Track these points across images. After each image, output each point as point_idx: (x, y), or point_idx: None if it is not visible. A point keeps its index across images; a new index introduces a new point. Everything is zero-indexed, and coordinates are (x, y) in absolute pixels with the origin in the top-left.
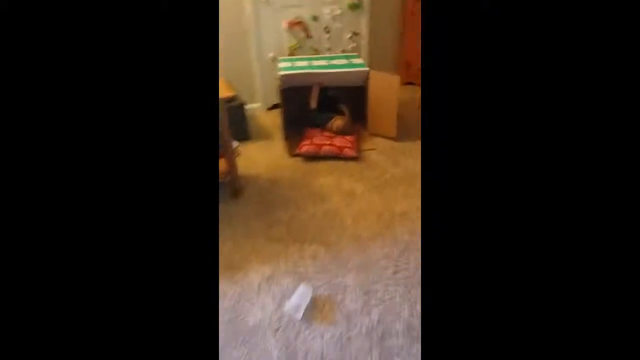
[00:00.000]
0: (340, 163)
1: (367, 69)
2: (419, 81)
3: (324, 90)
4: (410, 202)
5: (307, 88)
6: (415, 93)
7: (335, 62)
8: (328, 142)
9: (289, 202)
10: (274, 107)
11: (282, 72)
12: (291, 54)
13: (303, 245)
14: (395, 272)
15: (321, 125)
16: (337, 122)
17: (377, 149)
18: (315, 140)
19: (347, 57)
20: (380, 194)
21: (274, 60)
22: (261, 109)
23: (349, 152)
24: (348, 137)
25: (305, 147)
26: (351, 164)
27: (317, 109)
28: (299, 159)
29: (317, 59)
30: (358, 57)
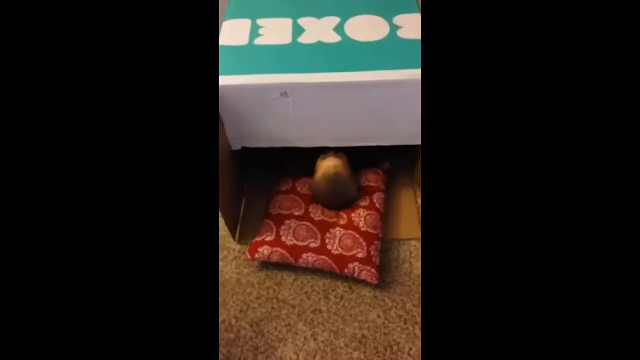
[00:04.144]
0: (342, 287)
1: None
2: None
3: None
4: None
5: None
6: None
7: (358, 30)
8: (313, 241)
9: None
10: None
11: (225, 81)
12: None
13: None
14: None
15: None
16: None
17: None
18: (284, 235)
19: (386, 9)
20: None
21: None
22: None
23: (362, 271)
24: (364, 220)
25: (265, 247)
26: (367, 290)
27: None
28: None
29: (312, 2)
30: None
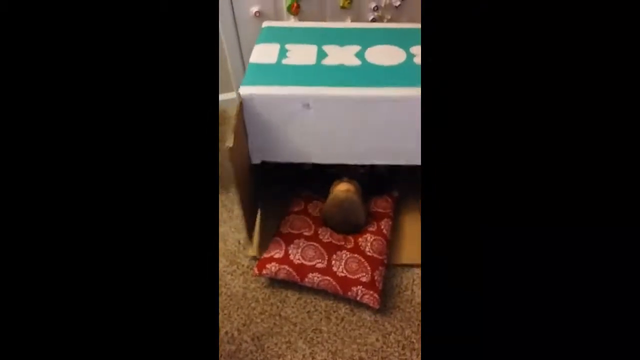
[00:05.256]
0: (343, 309)
1: None
2: None
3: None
4: None
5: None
6: None
7: (377, 57)
8: (320, 262)
9: None
10: None
11: (246, 91)
12: (294, 10)
13: None
14: None
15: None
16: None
17: None
18: (293, 254)
19: (404, 40)
20: None
21: (259, 16)
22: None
23: (365, 295)
24: (373, 243)
25: (274, 264)
26: (368, 314)
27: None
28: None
29: (336, 35)
30: None
